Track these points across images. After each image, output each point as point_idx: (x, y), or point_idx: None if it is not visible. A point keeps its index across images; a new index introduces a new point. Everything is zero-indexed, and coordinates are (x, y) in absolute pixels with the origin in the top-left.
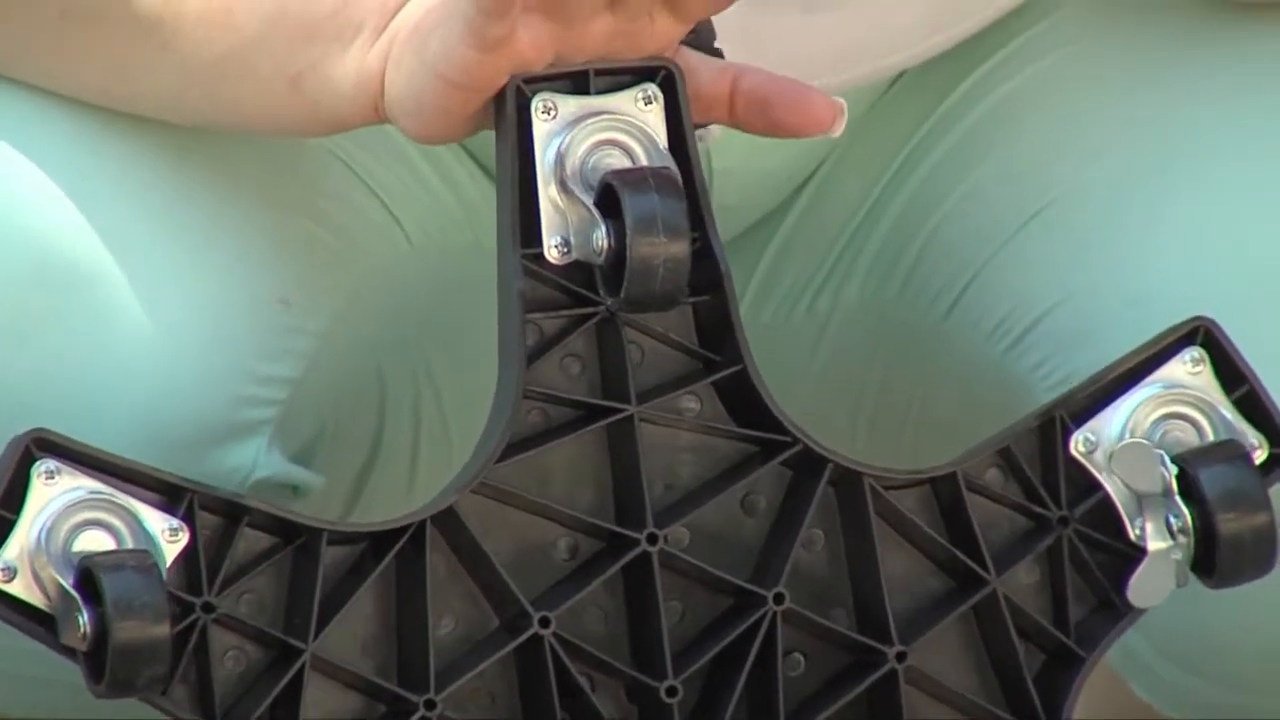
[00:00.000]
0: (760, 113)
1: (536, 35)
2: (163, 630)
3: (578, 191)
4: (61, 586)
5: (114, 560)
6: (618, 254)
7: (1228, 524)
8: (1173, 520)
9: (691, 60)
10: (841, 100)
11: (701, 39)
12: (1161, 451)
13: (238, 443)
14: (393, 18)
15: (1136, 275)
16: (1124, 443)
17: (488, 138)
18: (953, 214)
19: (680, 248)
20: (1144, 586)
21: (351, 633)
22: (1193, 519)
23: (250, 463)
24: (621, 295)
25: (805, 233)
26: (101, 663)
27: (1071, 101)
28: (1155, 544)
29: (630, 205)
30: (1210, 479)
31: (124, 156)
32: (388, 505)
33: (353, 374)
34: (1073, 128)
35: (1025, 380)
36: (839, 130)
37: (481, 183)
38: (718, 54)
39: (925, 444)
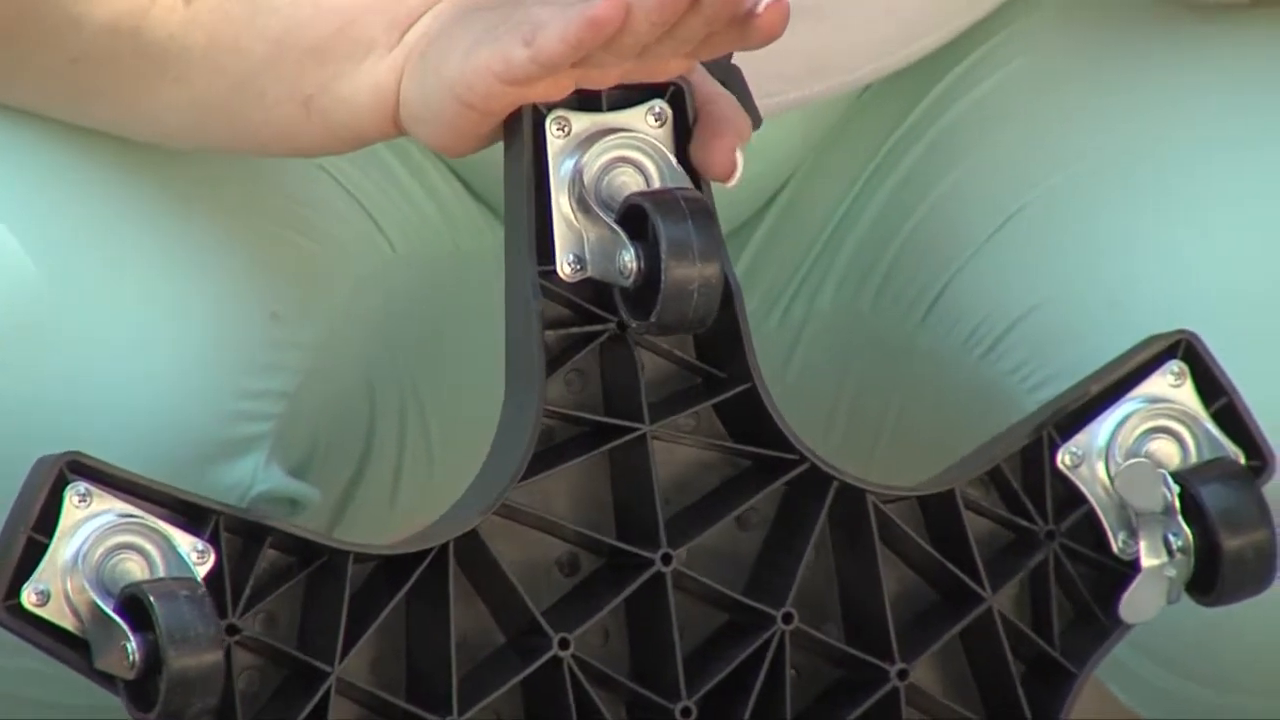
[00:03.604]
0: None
1: (561, 76)
2: (216, 658)
3: (597, 209)
4: (101, 611)
5: (165, 589)
6: (649, 278)
7: (1230, 542)
8: (1172, 539)
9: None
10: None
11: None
12: (1164, 471)
13: (236, 459)
14: (404, 33)
15: (1113, 278)
16: (1129, 462)
17: None
18: (926, 221)
19: (714, 272)
20: (1136, 602)
21: (367, 653)
22: (1193, 537)
23: (249, 478)
24: (653, 319)
25: (778, 242)
26: (148, 691)
27: (1041, 106)
28: (1149, 561)
29: (665, 231)
30: (1211, 497)
31: (109, 174)
32: (371, 520)
33: (344, 386)
34: (1043, 132)
35: (1002, 384)
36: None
37: (457, 188)
38: (736, 72)
39: (898, 451)
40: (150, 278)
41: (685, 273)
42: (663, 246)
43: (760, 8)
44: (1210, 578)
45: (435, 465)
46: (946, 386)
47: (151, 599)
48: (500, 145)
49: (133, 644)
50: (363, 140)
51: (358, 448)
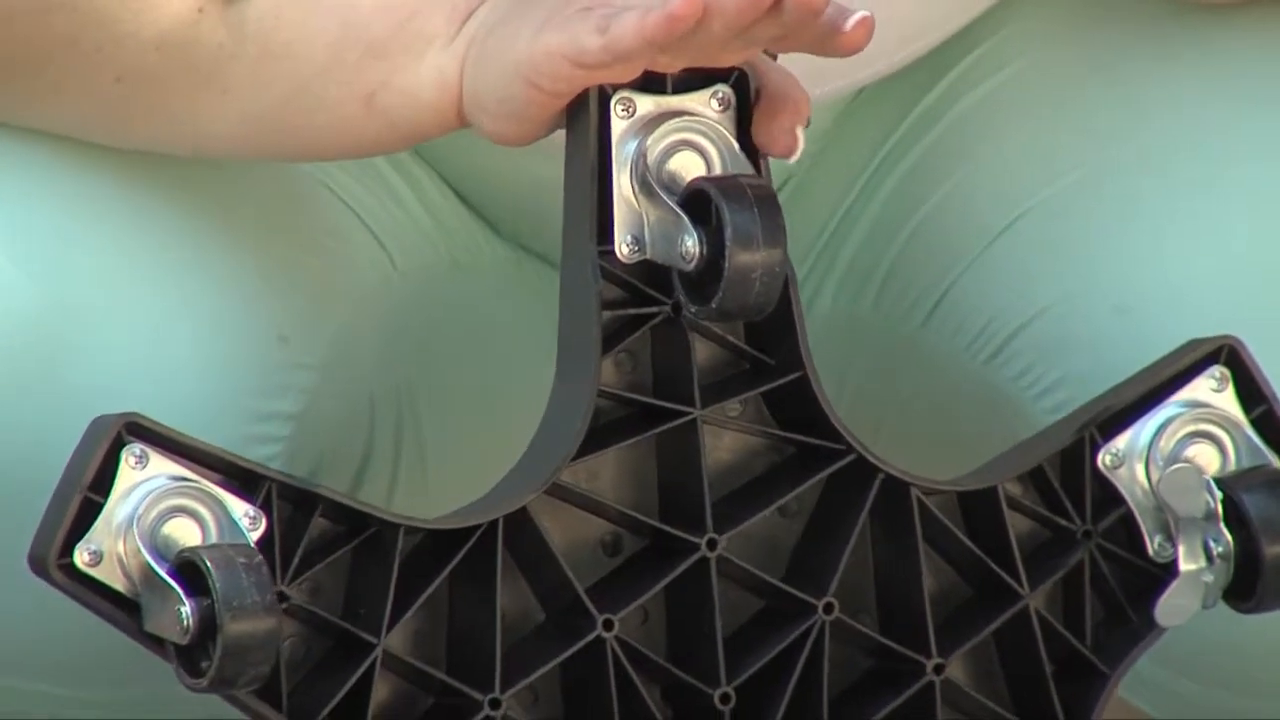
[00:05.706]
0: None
1: (631, 64)
2: (271, 626)
3: (660, 192)
4: (155, 574)
5: (222, 555)
6: (711, 264)
7: (1271, 549)
8: (1212, 544)
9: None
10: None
11: None
12: (1208, 477)
13: None
14: (463, 23)
15: (1120, 282)
16: (1173, 468)
17: (455, 154)
18: (927, 223)
19: (777, 259)
20: (1171, 605)
21: (409, 626)
22: (1234, 544)
23: None
24: (714, 305)
25: None
26: (200, 657)
27: (1046, 107)
28: (1188, 565)
29: (731, 217)
30: (1254, 504)
31: (117, 196)
32: None
33: (348, 402)
34: (1048, 135)
35: (1007, 389)
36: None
37: (454, 202)
38: None
39: (895, 454)
40: (159, 300)
41: (749, 259)
42: (727, 233)
43: (849, 25)
44: (1250, 584)
45: (429, 476)
46: (948, 391)
47: (209, 564)
48: (498, 159)
49: (187, 609)
50: (422, 135)
51: (356, 460)
